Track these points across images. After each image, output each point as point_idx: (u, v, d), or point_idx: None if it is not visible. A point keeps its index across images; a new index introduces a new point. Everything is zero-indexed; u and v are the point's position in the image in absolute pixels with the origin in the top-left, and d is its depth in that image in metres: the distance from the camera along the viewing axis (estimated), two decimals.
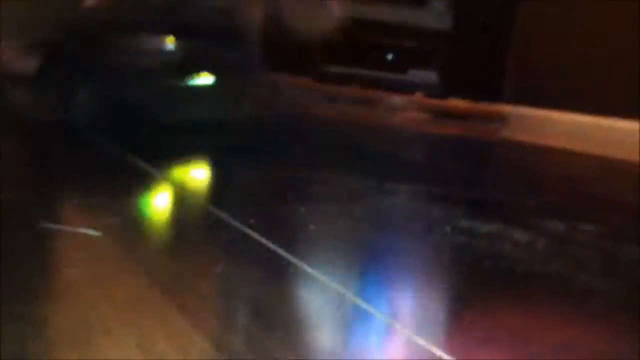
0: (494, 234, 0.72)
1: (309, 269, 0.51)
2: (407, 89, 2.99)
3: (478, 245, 0.67)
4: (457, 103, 2.87)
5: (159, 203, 0.70)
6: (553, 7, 2.89)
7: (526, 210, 0.96)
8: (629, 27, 2.51)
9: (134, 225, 0.59)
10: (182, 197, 0.73)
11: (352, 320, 0.44)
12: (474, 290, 0.54)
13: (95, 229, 0.55)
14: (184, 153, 1.18)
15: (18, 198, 0.64)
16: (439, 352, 0.41)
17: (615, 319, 0.53)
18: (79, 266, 0.47)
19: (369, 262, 0.58)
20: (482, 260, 0.61)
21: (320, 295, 0.47)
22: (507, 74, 3.03)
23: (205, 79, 2.44)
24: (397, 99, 2.92)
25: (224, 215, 0.66)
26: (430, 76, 3.00)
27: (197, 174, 0.94)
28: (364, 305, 0.45)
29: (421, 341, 0.40)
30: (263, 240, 0.57)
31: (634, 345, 0.48)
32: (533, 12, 3.05)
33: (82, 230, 0.54)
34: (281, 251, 0.55)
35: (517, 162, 1.80)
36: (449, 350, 0.43)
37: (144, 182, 0.80)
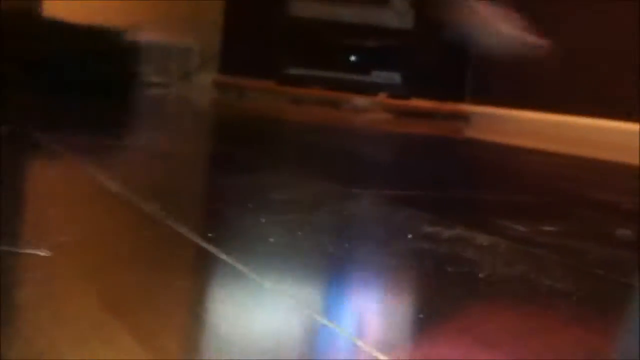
0: (456, 239, 0.72)
1: (268, 284, 0.50)
2: (370, 89, 3.00)
3: (441, 251, 0.66)
4: (420, 103, 2.88)
5: (112, 217, 0.68)
6: (514, 5, 2.92)
7: (489, 212, 0.96)
8: (591, 24, 2.54)
9: (86, 242, 0.57)
10: (137, 211, 0.71)
11: (313, 337, 0.43)
12: (436, 298, 0.54)
13: (45, 248, 0.53)
14: (137, 158, 1.15)
15: None
16: None
17: (581, 321, 0.52)
18: (28, 288, 0.45)
19: (329, 275, 0.57)
20: (444, 267, 0.61)
21: (280, 311, 0.46)
22: (470, 73, 3.06)
23: None
24: (360, 100, 2.92)
25: (182, 229, 0.64)
26: (393, 77, 3.01)
27: (153, 185, 0.92)
28: (324, 321, 0.44)
29: (383, 357, 0.40)
30: (222, 256, 0.56)
31: (603, 348, 0.48)
32: None
33: (31, 250, 0.52)
34: (240, 266, 0.53)
35: (481, 160, 1.81)
36: None
37: (97, 195, 0.78)
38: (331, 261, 0.60)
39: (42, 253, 0.51)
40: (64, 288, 0.47)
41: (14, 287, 0.45)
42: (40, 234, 0.58)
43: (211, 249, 0.57)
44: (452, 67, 3.04)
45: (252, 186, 0.98)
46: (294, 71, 3.29)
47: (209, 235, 0.62)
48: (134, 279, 0.50)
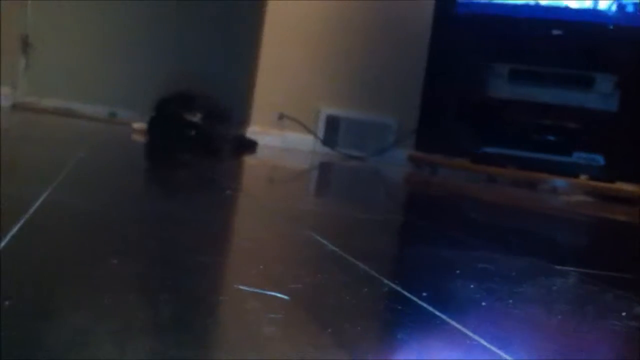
0: None
1: (485, 343, 0.53)
2: (570, 171, 2.92)
3: None
4: (625, 187, 2.76)
5: (333, 273, 0.74)
6: None
7: None
8: None
9: (315, 292, 0.64)
10: (353, 269, 0.77)
11: None
12: None
13: (282, 293, 0.60)
14: (345, 223, 1.22)
15: (214, 261, 0.71)
16: None
17: None
18: (274, 325, 0.51)
19: (545, 343, 0.58)
20: None
21: None
22: None
23: None
24: (560, 182, 2.85)
25: (397, 287, 0.69)
26: (595, 159, 2.91)
27: (363, 247, 0.98)
28: None
29: None
30: (438, 313, 0.59)
31: None
32: None
33: (274, 293, 0.59)
34: (455, 324, 0.57)
35: None
36: None
37: (317, 253, 0.86)
38: (544, 330, 0.61)
39: (282, 296, 0.58)
40: (302, 328, 0.53)
41: (264, 324, 0.51)
42: (276, 281, 0.65)
43: (428, 307, 0.61)
44: None
45: (455, 256, 1.01)
46: (489, 150, 3.29)
47: (424, 294, 0.66)
48: (361, 329, 0.54)
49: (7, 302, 0.46)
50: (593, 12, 3.08)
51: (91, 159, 1.76)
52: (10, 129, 2.61)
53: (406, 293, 0.66)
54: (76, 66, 4.34)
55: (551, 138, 3.07)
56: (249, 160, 2.85)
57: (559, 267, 0.99)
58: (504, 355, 0.51)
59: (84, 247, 0.71)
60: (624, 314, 0.70)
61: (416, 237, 1.25)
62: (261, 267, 0.71)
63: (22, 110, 3.90)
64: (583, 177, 2.89)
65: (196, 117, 2.64)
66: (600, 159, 2.92)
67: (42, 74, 4.26)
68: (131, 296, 0.52)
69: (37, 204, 0.87)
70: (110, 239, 0.77)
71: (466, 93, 3.42)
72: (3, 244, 0.62)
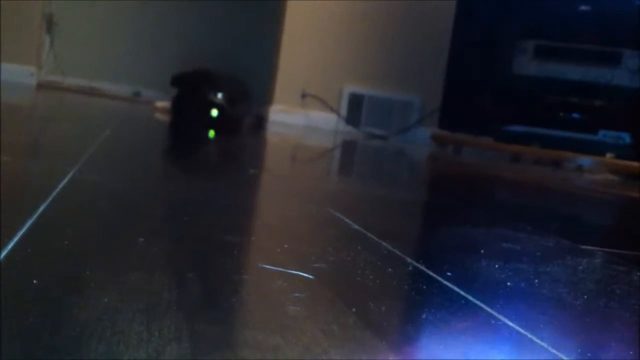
0: None
1: (510, 323, 0.52)
2: (596, 150, 2.89)
3: None
4: None
5: (357, 252, 0.74)
6: None
7: None
8: None
9: (339, 271, 0.64)
10: (377, 248, 0.77)
11: None
12: None
13: (306, 272, 0.60)
14: (369, 202, 1.22)
15: (239, 241, 0.71)
16: None
17: None
18: (299, 304, 0.52)
19: (571, 323, 0.58)
20: None
21: (526, 351, 0.48)
22: None
23: None
24: (585, 160, 2.82)
25: (421, 267, 0.69)
26: (621, 137, 2.87)
27: (387, 226, 0.98)
28: None
29: None
30: (462, 293, 0.59)
31: None
32: None
33: (298, 272, 0.59)
34: (481, 304, 0.56)
35: None
36: None
37: (341, 232, 0.86)
38: (570, 310, 0.61)
39: (307, 275, 0.58)
40: (327, 307, 0.53)
41: (289, 303, 0.52)
42: (300, 260, 0.65)
43: (452, 286, 0.61)
44: None
45: (480, 236, 1.00)
46: (513, 128, 3.26)
47: (448, 274, 0.66)
48: (385, 308, 0.54)
49: (35, 280, 0.47)
50: None
51: (116, 137, 1.77)
52: (36, 108, 2.64)
53: (430, 272, 0.66)
54: (100, 45, 4.36)
55: (576, 116, 3.03)
56: (272, 139, 2.86)
57: (585, 247, 0.98)
58: (530, 336, 0.50)
59: (111, 225, 0.71)
60: None
61: (440, 216, 1.24)
62: (285, 246, 0.71)
63: (47, 89, 3.94)
64: (609, 156, 2.85)
65: (218, 96, 2.65)
66: (626, 137, 2.87)
67: (67, 53, 4.29)
68: (157, 275, 0.53)
69: (64, 182, 0.88)
70: (136, 217, 0.77)
71: (490, 70, 3.39)
72: (31, 221, 0.62)
